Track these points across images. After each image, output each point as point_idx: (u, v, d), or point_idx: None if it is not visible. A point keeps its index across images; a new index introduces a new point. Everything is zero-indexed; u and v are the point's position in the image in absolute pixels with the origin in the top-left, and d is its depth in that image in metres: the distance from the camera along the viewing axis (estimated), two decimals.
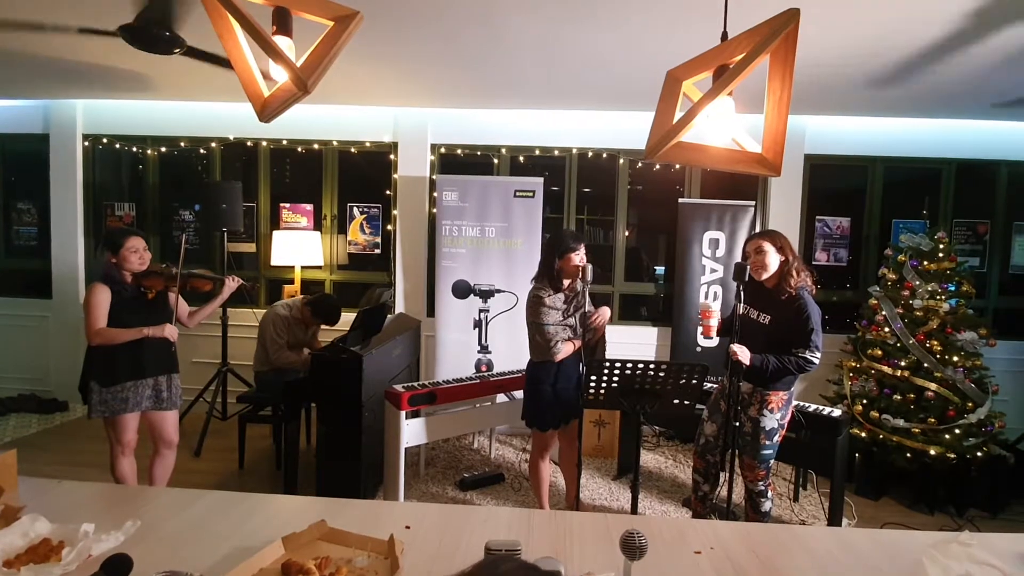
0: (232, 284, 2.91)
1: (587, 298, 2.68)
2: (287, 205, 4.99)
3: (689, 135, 1.07)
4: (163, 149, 4.97)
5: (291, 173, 5.16)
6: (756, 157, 1.13)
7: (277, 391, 3.46)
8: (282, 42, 1.15)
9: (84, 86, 4.37)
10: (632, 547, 1.25)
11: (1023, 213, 4.66)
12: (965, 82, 3.47)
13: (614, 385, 2.31)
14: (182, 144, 4.93)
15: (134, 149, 5.00)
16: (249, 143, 4.92)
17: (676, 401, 2.35)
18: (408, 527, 1.50)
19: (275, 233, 4.79)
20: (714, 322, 2.63)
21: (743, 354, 2.51)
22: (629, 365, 2.25)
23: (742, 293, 2.52)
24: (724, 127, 1.14)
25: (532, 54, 3.37)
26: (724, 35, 1.21)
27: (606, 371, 2.28)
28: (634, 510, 2.44)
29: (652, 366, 2.26)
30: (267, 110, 1.23)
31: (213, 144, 4.92)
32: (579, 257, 2.71)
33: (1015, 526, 3.31)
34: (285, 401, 3.34)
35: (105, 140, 4.94)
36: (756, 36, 1.00)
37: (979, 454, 3.45)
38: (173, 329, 2.69)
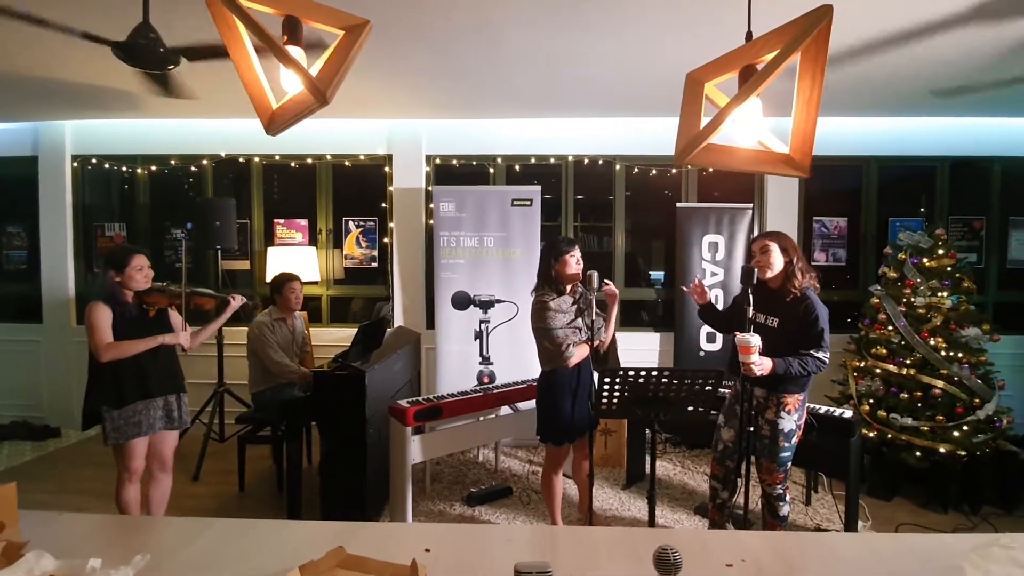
0: (235, 303, 2.85)
1: (594, 307, 2.62)
2: (281, 221, 4.93)
3: (716, 138, 1.04)
4: (153, 168, 4.90)
5: (285, 188, 5.11)
6: (784, 158, 1.11)
7: (275, 411, 3.39)
8: (293, 52, 1.11)
9: (72, 106, 4.31)
10: (667, 564, 1.21)
11: (1018, 208, 4.69)
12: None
13: (626, 394, 2.26)
14: (173, 162, 4.87)
15: (124, 169, 4.93)
16: (241, 159, 4.86)
17: (691, 408, 2.31)
18: (428, 550, 1.44)
19: (270, 249, 4.73)
20: (755, 357, 2.40)
21: (764, 365, 2.42)
22: (643, 373, 2.20)
23: (751, 297, 2.49)
24: (751, 128, 1.12)
25: (526, 63, 3.35)
26: (748, 35, 1.19)
27: (619, 380, 2.23)
28: (651, 522, 2.39)
29: (666, 373, 2.21)
30: (275, 123, 1.19)
31: (204, 161, 4.86)
32: (575, 260, 2.68)
33: None
34: (286, 420, 3.27)
35: (94, 160, 4.86)
36: (785, 35, 0.98)
37: (988, 450, 3.43)
38: (186, 335, 2.67)
